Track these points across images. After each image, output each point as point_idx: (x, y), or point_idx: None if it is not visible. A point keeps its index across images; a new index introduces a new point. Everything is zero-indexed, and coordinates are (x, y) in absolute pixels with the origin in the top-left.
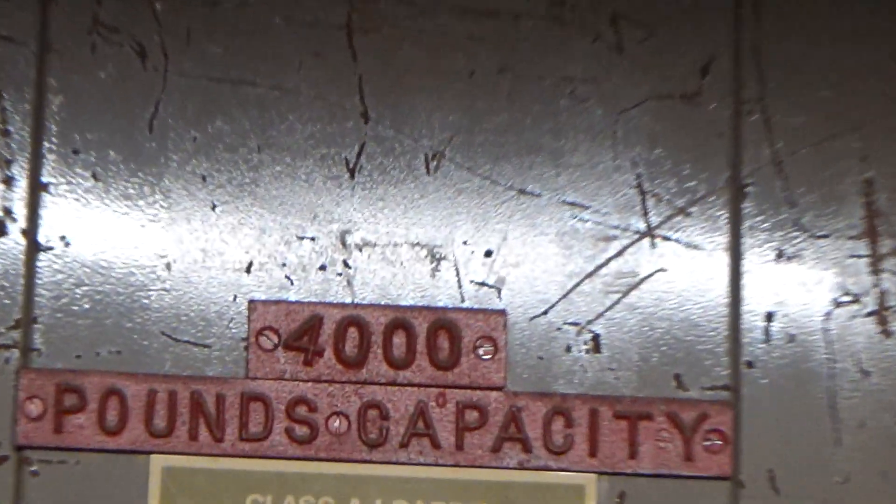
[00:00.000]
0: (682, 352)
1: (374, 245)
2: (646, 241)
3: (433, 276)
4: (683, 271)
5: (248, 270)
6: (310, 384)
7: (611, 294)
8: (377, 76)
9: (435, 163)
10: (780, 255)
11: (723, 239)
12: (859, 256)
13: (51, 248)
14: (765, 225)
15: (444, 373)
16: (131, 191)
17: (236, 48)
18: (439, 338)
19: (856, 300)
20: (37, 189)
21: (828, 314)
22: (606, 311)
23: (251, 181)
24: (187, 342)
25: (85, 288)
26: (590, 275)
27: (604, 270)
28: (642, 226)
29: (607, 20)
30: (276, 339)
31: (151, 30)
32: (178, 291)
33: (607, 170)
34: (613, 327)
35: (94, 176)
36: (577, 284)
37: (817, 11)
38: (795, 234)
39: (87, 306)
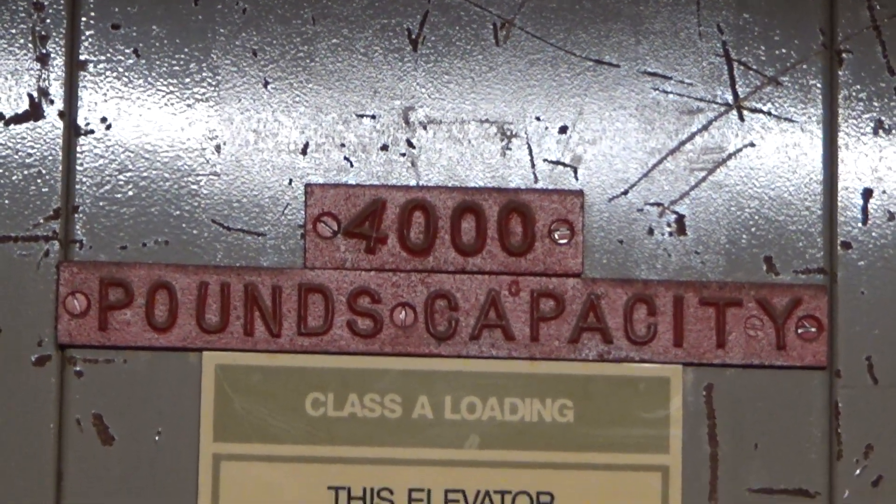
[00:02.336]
0: (773, 233)
1: (440, 122)
2: (733, 114)
3: (504, 155)
4: (774, 146)
5: (303, 152)
6: (372, 273)
7: (696, 172)
8: None
9: (504, 32)
10: (878, 127)
11: (817, 110)
12: None
13: (91, 132)
14: (862, 94)
15: (517, 259)
16: (176, 68)
17: None
18: (511, 221)
19: None
20: (74, 68)
21: None
22: (691, 190)
23: (306, 55)
24: (240, 230)
25: (128, 174)
26: (673, 151)
27: (688, 146)
28: (729, 97)
29: None
30: (335, 226)
31: None
32: (229, 176)
33: (691, 37)
34: (699, 207)
35: (136, 52)
36: (660, 162)
37: None
38: None
39: (130, 194)
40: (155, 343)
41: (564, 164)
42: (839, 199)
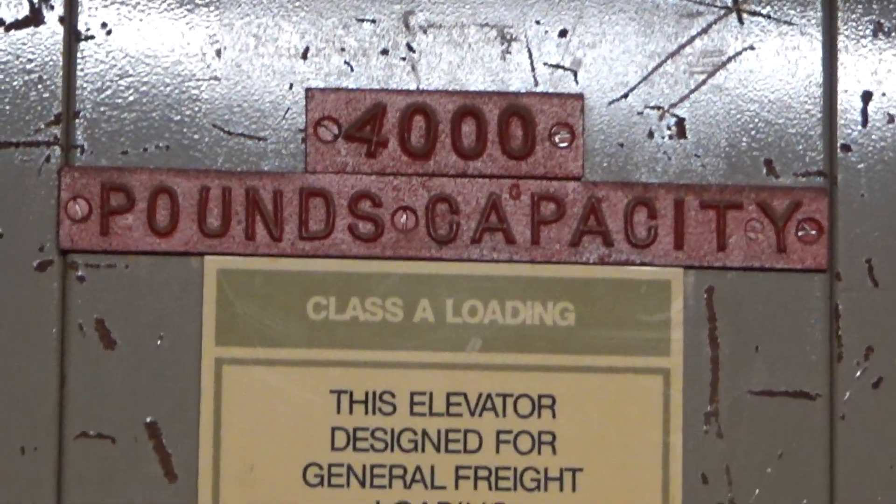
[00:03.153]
0: (772, 136)
1: (440, 26)
2: (732, 17)
3: (504, 58)
4: (774, 49)
5: (304, 56)
6: (374, 177)
7: (695, 75)
8: None
9: None
10: (878, 30)
11: (816, 13)
12: None
13: (91, 38)
14: None
15: (518, 162)
16: None
17: None
18: (512, 125)
19: None
20: None
21: None
22: (691, 93)
23: None
24: (241, 135)
25: (129, 79)
26: (672, 54)
27: (687, 49)
28: (728, 0)
29: None
30: (336, 130)
31: None
32: (230, 81)
33: None
34: (699, 111)
35: None
36: (659, 65)
37: None
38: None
39: (131, 98)
40: (156, 248)
41: (564, 68)
42: (839, 102)
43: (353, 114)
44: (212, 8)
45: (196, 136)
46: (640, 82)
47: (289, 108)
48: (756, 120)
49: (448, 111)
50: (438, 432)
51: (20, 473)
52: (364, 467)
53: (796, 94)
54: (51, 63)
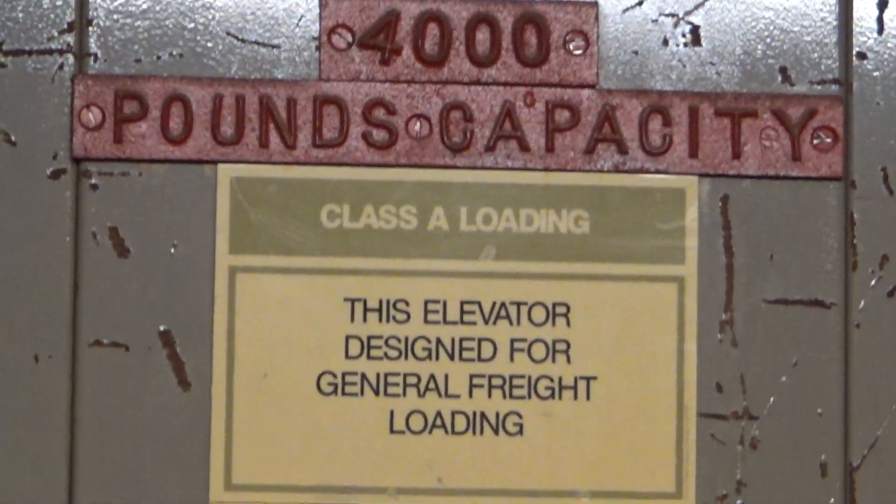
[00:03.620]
0: (788, 43)
1: None
2: None
3: None
4: None
5: None
6: (387, 85)
7: None
8: None
9: None
10: None
11: None
12: None
13: None
14: None
15: (532, 70)
16: None
17: None
18: (526, 32)
19: None
20: None
21: None
22: (705, 0)
23: None
24: (255, 43)
25: None
26: None
27: None
28: None
29: None
30: (350, 38)
31: None
32: None
33: None
34: (714, 18)
35: None
36: None
37: None
38: None
39: (144, 6)
40: (170, 156)
41: None
42: (854, 9)
43: (367, 21)
44: None
45: (210, 44)
46: None
47: (302, 16)
48: (771, 27)
49: (462, 18)
50: (452, 341)
51: (34, 381)
52: (378, 376)
53: (812, 1)
54: None
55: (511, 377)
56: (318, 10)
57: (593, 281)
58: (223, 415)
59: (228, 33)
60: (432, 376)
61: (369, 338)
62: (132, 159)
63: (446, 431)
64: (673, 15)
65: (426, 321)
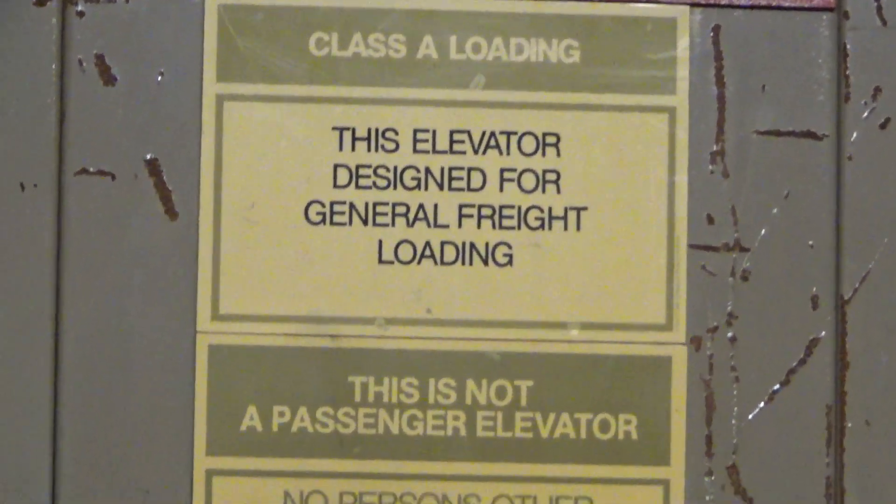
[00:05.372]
0: None
1: None
2: None
3: None
4: None
5: None
6: None
7: None
8: None
9: None
10: None
11: None
12: None
13: None
14: None
15: None
16: None
17: None
18: None
19: None
20: None
21: None
22: None
23: None
24: None
25: None
26: None
27: None
28: None
29: None
30: None
31: None
32: None
33: None
34: None
35: None
36: None
37: None
38: None
39: None
40: None
41: None
42: None
43: None
44: None
45: None
46: None
47: None
48: None
49: None
50: (442, 170)
51: (20, 210)
52: (366, 205)
53: None
54: None
55: (501, 207)
56: None
57: (583, 111)
58: (210, 244)
59: None
60: (421, 206)
61: (357, 167)
62: None
63: (435, 262)
64: None
65: (415, 150)
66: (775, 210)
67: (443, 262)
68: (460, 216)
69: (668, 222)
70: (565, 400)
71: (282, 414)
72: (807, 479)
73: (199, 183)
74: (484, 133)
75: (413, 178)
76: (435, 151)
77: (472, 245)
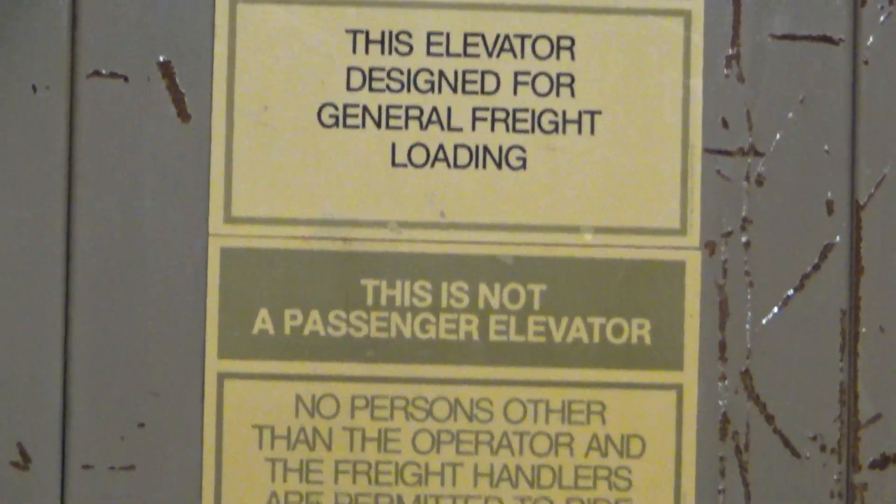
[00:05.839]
0: None
1: None
2: None
3: None
4: None
5: None
6: None
7: None
8: None
9: None
10: None
11: None
12: None
13: None
14: None
15: None
16: None
17: None
18: None
19: None
20: None
21: None
22: None
23: None
24: None
25: None
26: None
27: None
28: None
29: None
30: None
31: None
32: None
33: None
34: None
35: None
36: None
37: None
38: None
39: None
40: None
41: None
42: None
43: None
44: None
45: None
46: None
47: None
48: None
49: None
50: (455, 73)
51: (32, 112)
52: (379, 108)
53: None
54: None
55: (514, 110)
56: None
57: (598, 14)
58: (223, 147)
59: None
60: (434, 109)
61: (371, 69)
62: None
63: (448, 165)
64: None
65: (429, 53)
66: (790, 114)
67: (456, 166)
68: (474, 119)
69: (682, 126)
70: (578, 304)
71: (294, 317)
72: (820, 384)
73: (211, 85)
74: (498, 36)
75: (426, 81)
76: (449, 54)
77: (486, 148)
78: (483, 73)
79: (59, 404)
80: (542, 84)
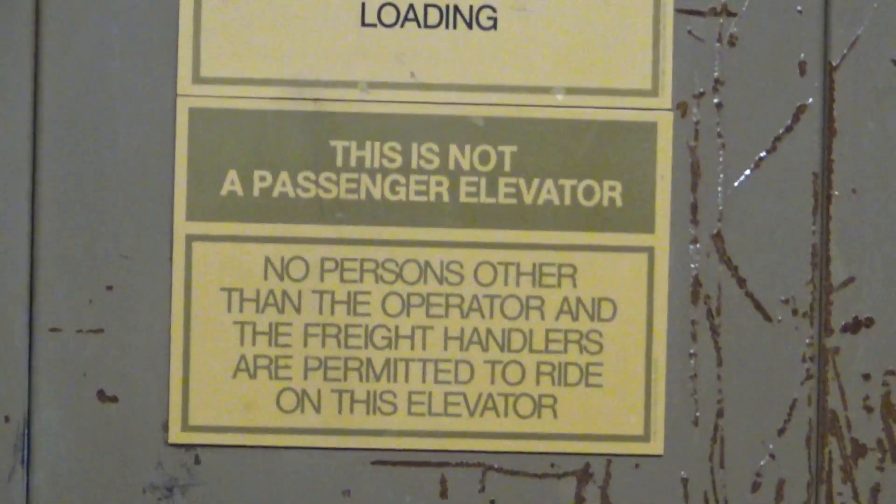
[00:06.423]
0: None
1: None
2: None
3: None
4: None
5: None
6: None
7: None
8: None
9: None
10: None
11: None
12: None
13: None
14: None
15: None
16: None
17: None
18: None
19: None
20: None
21: None
22: None
23: None
24: None
25: None
26: None
27: None
28: None
29: None
30: None
31: None
32: None
33: None
34: None
35: None
36: None
37: None
38: None
39: None
40: None
41: None
42: None
43: None
44: None
45: None
46: None
47: None
48: None
49: None
50: None
51: None
52: None
53: None
54: None
55: None
56: None
57: None
58: (191, 5)
59: None
60: None
61: None
62: None
63: (419, 24)
64: None
65: None
66: None
67: (426, 26)
68: None
69: None
70: (549, 166)
71: (262, 178)
72: (793, 246)
73: None
74: None
75: None
76: None
77: (456, 8)
78: None
79: (27, 267)
80: None
